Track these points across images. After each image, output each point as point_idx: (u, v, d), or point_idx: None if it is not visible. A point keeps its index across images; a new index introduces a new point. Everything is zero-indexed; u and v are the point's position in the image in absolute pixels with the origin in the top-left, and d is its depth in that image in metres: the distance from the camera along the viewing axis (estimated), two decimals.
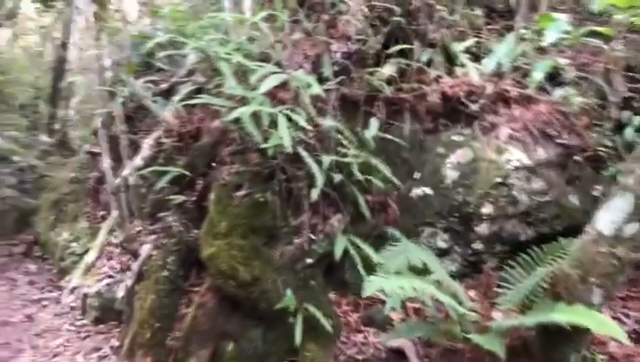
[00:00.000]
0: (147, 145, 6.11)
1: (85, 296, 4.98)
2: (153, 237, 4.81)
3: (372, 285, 2.94)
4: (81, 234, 6.32)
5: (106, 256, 5.43)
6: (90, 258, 5.58)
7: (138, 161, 5.81)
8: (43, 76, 15.19)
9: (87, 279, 5.22)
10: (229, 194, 4.32)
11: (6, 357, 4.24)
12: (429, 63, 5.08)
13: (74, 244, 6.26)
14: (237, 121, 4.70)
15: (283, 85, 4.55)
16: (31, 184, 8.70)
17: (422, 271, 3.58)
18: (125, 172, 5.25)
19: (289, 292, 3.97)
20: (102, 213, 6.43)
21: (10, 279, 6.38)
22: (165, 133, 6.28)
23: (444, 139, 4.73)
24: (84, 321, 4.93)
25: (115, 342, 4.40)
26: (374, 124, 4.22)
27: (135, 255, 4.77)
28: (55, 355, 4.23)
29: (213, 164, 4.86)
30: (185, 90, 6.44)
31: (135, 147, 6.16)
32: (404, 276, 3.24)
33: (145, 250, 4.65)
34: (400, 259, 3.39)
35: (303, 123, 3.70)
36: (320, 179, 3.87)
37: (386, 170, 4.14)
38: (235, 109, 3.82)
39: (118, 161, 6.15)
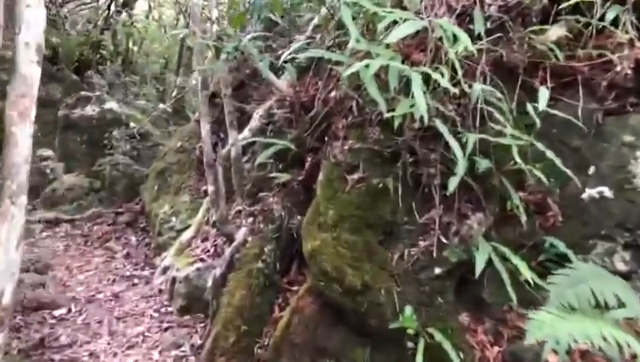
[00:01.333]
0: (257, 115, 5.46)
1: (174, 279, 4.42)
2: (250, 220, 4.11)
3: (538, 328, 1.94)
4: (182, 208, 5.83)
5: (202, 236, 4.85)
6: (185, 236, 5.03)
7: (245, 132, 5.17)
8: (173, 46, 15.43)
9: (179, 260, 4.66)
10: (341, 176, 3.47)
11: (82, 340, 3.77)
12: (615, 23, 3.82)
13: (173, 219, 5.79)
14: (357, 88, 3.83)
15: (419, 43, 3.60)
16: (144, 151, 8.49)
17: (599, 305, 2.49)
18: (229, 143, 4.59)
19: (408, 309, 3.06)
20: (205, 187, 5.90)
21: (110, 250, 6.07)
22: (277, 103, 5.60)
23: (633, 124, 3.50)
24: (170, 309, 4.38)
25: (197, 340, 3.76)
26: (544, 94, 3.11)
27: (229, 239, 4.09)
28: (130, 347, 3.69)
29: (326, 139, 4.03)
30: (303, 54, 5.71)
31: (247, 118, 5.55)
32: (582, 315, 2.18)
33: (240, 234, 3.96)
34: (580, 289, 2.33)
35: (446, 83, 2.73)
36: (462, 165, 2.89)
37: (557, 160, 3.04)
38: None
39: (226, 132, 5.58)
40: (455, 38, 2.98)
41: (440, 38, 3.16)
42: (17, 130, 2.69)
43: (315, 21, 5.95)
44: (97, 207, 7.21)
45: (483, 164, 3.08)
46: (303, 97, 5.43)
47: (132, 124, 8.67)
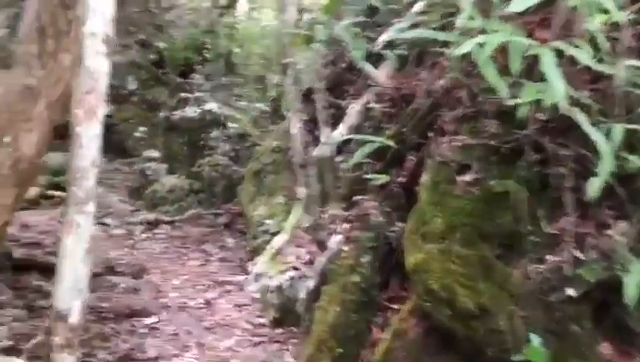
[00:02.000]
0: (353, 110, 5.06)
1: (267, 288, 4.12)
2: (346, 226, 3.70)
3: None
4: (277, 210, 5.56)
5: (295, 241, 4.53)
6: (278, 241, 4.74)
7: (340, 129, 4.78)
8: (273, 46, 15.47)
9: (273, 267, 4.37)
10: (450, 178, 2.98)
11: (170, 353, 3.57)
12: None
13: (268, 222, 5.53)
14: (468, 74, 3.31)
15: (543, 19, 3.01)
16: (243, 152, 8.38)
17: None
18: (322, 141, 4.23)
19: (535, 338, 2.51)
20: (301, 190, 5.59)
21: (206, 253, 5.94)
22: (375, 97, 5.16)
23: None
24: (262, 320, 4.09)
25: (289, 359, 3.42)
26: None
27: (323, 247, 3.72)
28: None
29: (431, 135, 3.54)
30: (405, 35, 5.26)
31: (342, 114, 5.17)
32: None
33: (334, 242, 3.57)
34: None
35: (587, 61, 2.15)
36: (608, 163, 2.29)
37: None
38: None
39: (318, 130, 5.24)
40: (599, 6, 2.37)
41: (574, 8, 2.57)
42: (82, 130, 2.48)
43: (420, 5, 5.45)
44: (197, 209, 7.17)
45: (634, 161, 2.45)
46: (405, 89, 4.96)
47: (231, 125, 8.61)
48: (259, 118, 9.08)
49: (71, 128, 2.53)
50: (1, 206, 2.89)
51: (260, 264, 4.66)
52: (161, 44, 14.31)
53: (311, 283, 3.48)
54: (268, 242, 5.40)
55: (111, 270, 5.11)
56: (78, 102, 2.49)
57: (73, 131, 2.47)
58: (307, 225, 3.74)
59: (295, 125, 3.99)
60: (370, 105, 5.03)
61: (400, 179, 3.62)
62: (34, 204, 9.06)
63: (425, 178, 3.19)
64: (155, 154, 9.51)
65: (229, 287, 4.86)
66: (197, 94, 9.16)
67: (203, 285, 4.95)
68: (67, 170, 2.65)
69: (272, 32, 15.44)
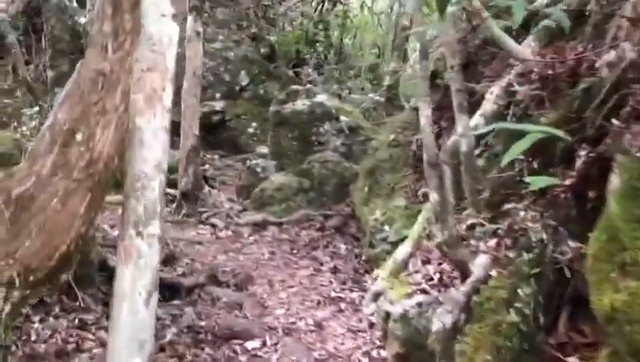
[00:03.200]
0: (492, 95, 4.20)
1: (387, 314, 3.38)
2: (492, 243, 2.86)
3: None
4: (396, 214, 4.81)
5: (422, 255, 3.74)
6: (400, 253, 3.98)
7: (476, 118, 3.92)
8: (387, 35, 14.65)
9: (395, 287, 3.61)
10: None
11: None
12: None
13: (386, 228, 4.80)
14: None
15: None
16: (355, 147, 7.70)
17: None
18: (456, 133, 3.40)
19: None
20: (423, 189, 4.78)
21: (316, 261, 5.31)
22: (519, 78, 4.24)
23: None
24: (383, 352, 3.35)
25: None
26: None
27: (461, 268, 2.90)
28: None
29: (614, 122, 2.59)
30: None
31: (476, 101, 4.32)
32: None
33: (479, 264, 2.75)
34: None
35: None
36: None
37: None
38: None
39: (451, 120, 4.41)
40: None
41: None
42: (144, 122, 1.87)
43: None
44: (306, 209, 6.58)
45: None
46: (559, 67, 3.99)
47: (342, 118, 7.95)
48: (372, 110, 8.33)
49: (129, 120, 1.94)
50: (73, 214, 2.38)
51: (378, 281, 3.92)
52: (273, 38, 14.04)
53: (447, 317, 2.68)
54: (387, 253, 4.67)
55: (214, 279, 4.63)
56: (136, 84, 1.90)
57: (132, 124, 1.88)
58: (440, 239, 2.95)
59: (425, 112, 3.18)
60: (514, 87, 4.12)
61: (568, 182, 2.71)
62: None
63: (615, 182, 2.27)
64: (266, 150, 9.12)
65: (342, 305, 4.18)
66: (307, 86, 8.59)
67: (312, 301, 4.31)
68: (124, 176, 2.06)
69: (386, 18, 14.64)
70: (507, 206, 2.93)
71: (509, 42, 4.27)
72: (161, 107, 1.92)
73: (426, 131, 3.11)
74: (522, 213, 2.82)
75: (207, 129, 12.48)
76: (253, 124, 12.68)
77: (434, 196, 2.98)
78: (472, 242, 2.99)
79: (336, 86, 11.87)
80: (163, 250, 5.35)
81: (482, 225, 3.02)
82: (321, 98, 8.13)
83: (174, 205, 7.17)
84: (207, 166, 11.49)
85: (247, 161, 11.65)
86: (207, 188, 7.27)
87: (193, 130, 7.15)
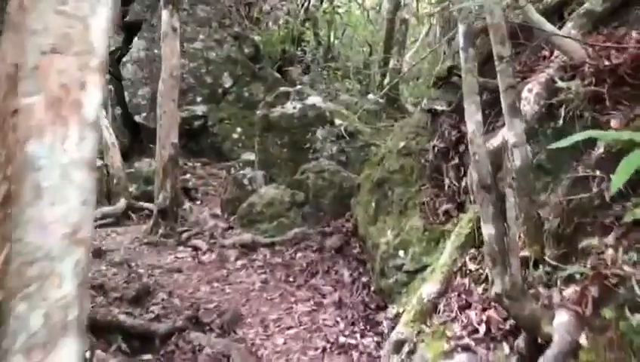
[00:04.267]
0: (530, 93, 3.46)
1: None
2: (572, 293, 2.09)
3: None
4: (413, 237, 4.03)
5: (456, 294, 2.96)
6: (428, 291, 3.19)
7: (516, 123, 3.15)
8: (377, 32, 13.89)
9: (425, 338, 2.83)
10: None
11: None
12: None
13: (401, 254, 4.02)
14: None
15: None
16: (353, 154, 6.92)
17: None
18: (510, 141, 2.62)
19: None
20: (446, 206, 4.02)
21: (316, 290, 4.52)
22: (561, 73, 3.51)
23: None
24: None
25: None
26: None
27: (530, 328, 2.13)
28: None
29: None
30: None
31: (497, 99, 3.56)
32: None
33: (560, 327, 1.97)
34: None
35: None
36: None
37: None
38: None
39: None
40: None
41: None
42: (43, 149, 1.03)
43: None
44: (301, 226, 5.78)
45: None
46: (616, 57, 3.25)
47: (338, 122, 7.17)
48: (369, 113, 7.55)
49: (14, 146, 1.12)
50: None
51: (400, 326, 3.13)
52: (257, 37, 13.23)
53: None
54: (403, 284, 3.90)
55: (196, 321, 3.82)
56: (30, 76, 1.08)
57: (19, 153, 1.07)
58: (498, 288, 2.16)
59: (473, 117, 2.39)
60: (558, 84, 3.38)
61: None
62: (124, 217, 8.20)
63: None
64: (252, 156, 8.34)
65: (354, 356, 3.39)
66: (298, 87, 7.79)
67: (317, 348, 3.51)
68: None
69: (377, 14, 13.88)
70: (586, 241, 2.16)
71: (552, 30, 3.53)
72: (78, 121, 1.10)
73: (476, 142, 2.34)
74: (611, 252, 2.06)
75: (188, 135, 11.66)
76: (238, 129, 11.85)
77: (489, 230, 2.20)
78: (541, 290, 2.22)
79: (327, 87, 11.09)
80: (134, 281, 4.55)
81: (552, 266, 2.26)
82: (313, 100, 7.34)
83: (150, 223, 6.34)
84: (188, 175, 10.64)
85: (233, 170, 10.91)
86: (187, 203, 6.45)
87: (171, 139, 6.33)
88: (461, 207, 3.97)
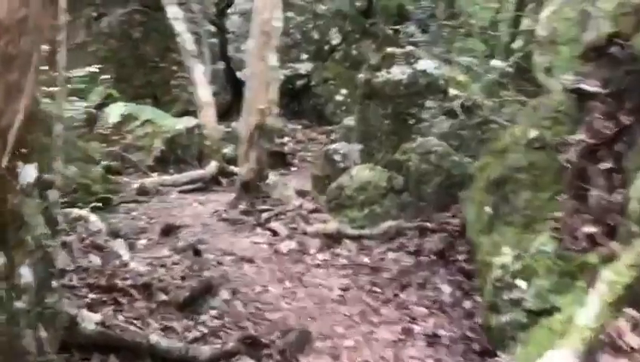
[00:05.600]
0: None
1: None
2: None
3: None
4: (540, 265, 3.01)
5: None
6: (557, 360, 2.21)
7: None
8: None
9: None
10: None
11: None
12: None
13: (521, 285, 3.03)
14: None
15: None
16: (470, 132, 5.83)
17: None
18: None
19: None
20: (590, 228, 2.94)
21: (406, 312, 3.64)
22: None
23: None
24: None
25: None
26: None
27: None
28: None
29: None
30: None
31: None
32: None
33: None
34: None
35: None
36: None
37: None
38: None
39: None
40: None
41: None
42: None
43: None
44: (396, 218, 4.87)
45: None
46: None
47: (452, 92, 6.07)
48: (493, 82, 6.33)
49: None
50: None
51: None
52: None
53: None
54: (521, 328, 2.93)
55: (252, 342, 3.11)
56: None
57: None
58: None
59: None
60: None
61: None
62: (213, 182, 7.71)
63: None
64: (352, 122, 7.50)
65: None
66: (408, 49, 6.73)
67: None
68: None
69: None
70: None
71: None
72: None
73: None
74: None
75: (290, 95, 11.00)
76: (343, 91, 10.98)
77: None
78: None
79: (443, 47, 9.84)
80: (195, 275, 3.93)
81: None
82: (425, 65, 6.27)
83: (233, 196, 5.75)
84: (286, 139, 10.02)
85: (333, 136, 10.11)
86: (272, 177, 5.76)
87: (258, 104, 5.61)
88: (613, 233, 2.88)
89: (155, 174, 7.29)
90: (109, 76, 8.22)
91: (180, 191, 6.85)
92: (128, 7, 11.23)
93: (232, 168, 7.90)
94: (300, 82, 10.89)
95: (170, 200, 6.40)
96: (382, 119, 6.31)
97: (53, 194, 2.46)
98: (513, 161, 3.63)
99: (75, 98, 7.29)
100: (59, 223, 2.70)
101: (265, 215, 5.29)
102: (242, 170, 5.64)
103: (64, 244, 3.37)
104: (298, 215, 5.24)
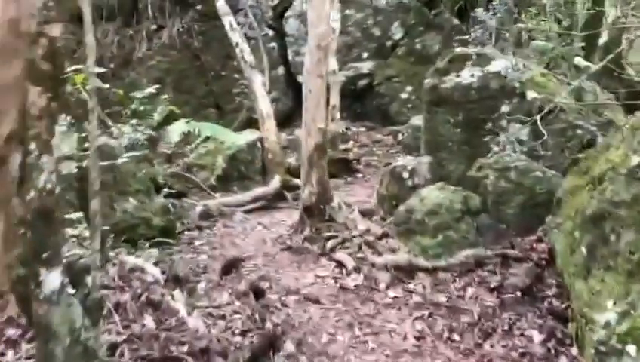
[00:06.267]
0: None
1: None
2: None
3: None
4: None
5: None
6: None
7: None
8: None
9: None
10: None
11: None
12: None
13: (631, 351, 2.55)
14: None
15: None
16: (552, 140, 5.24)
17: None
18: None
19: None
20: None
21: None
22: None
23: None
24: None
25: None
26: None
27: None
28: None
29: None
30: None
31: None
32: None
33: None
34: None
35: None
36: None
37: None
38: None
39: None
40: None
41: None
42: None
43: None
44: (474, 245, 4.41)
45: None
46: None
47: (530, 94, 5.49)
48: (583, 85, 5.65)
49: None
50: None
51: None
52: None
53: None
54: None
55: None
56: None
57: None
58: None
59: None
60: None
61: None
62: (277, 198, 7.46)
63: None
64: (422, 122, 7.03)
65: None
66: (478, 50, 6.17)
67: None
68: None
69: None
70: None
71: None
72: None
73: None
74: None
75: (353, 96, 10.57)
76: (408, 88, 10.43)
77: None
78: None
79: (516, 37, 9.12)
80: (256, 326, 3.67)
81: None
82: (498, 65, 5.71)
83: (296, 220, 5.47)
84: (350, 143, 9.63)
85: (400, 136, 9.62)
86: (336, 200, 5.42)
87: (317, 123, 5.29)
88: None
89: (217, 194, 7.14)
90: (166, 96, 8.15)
91: (244, 212, 6.67)
92: (187, 18, 11.20)
93: (297, 181, 7.66)
94: (362, 82, 10.46)
95: (233, 223, 6.21)
96: (452, 128, 5.83)
97: (92, 278, 2.25)
98: (612, 193, 3.10)
99: (135, 121, 7.26)
100: (103, 307, 2.49)
101: (330, 243, 4.97)
102: (304, 194, 5.34)
103: (117, 306, 3.20)
104: (365, 242, 4.89)
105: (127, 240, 4.81)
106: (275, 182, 7.42)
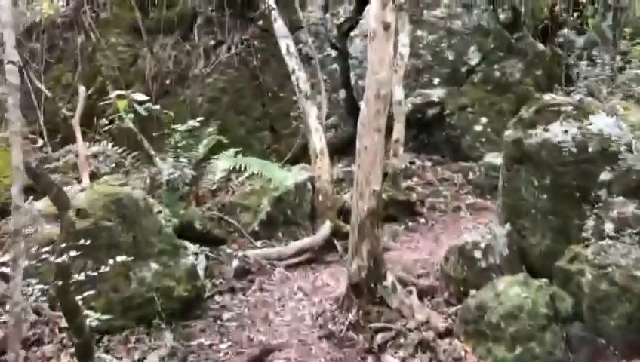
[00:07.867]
0: None
1: None
2: None
3: None
4: None
5: None
6: None
7: None
8: None
9: None
10: None
11: None
12: None
13: None
14: None
15: None
16: None
17: None
18: None
19: None
20: None
21: None
22: None
23: None
24: None
25: None
26: None
27: None
28: None
29: None
30: None
31: None
32: None
33: None
34: None
35: None
36: None
37: None
38: None
39: None
40: None
41: None
42: None
43: None
44: None
45: None
46: None
47: (637, 157, 4.40)
48: None
49: None
50: None
51: None
52: None
53: None
54: None
55: None
56: None
57: None
58: None
59: None
60: None
61: None
62: (325, 249, 6.59)
63: None
64: (499, 159, 6.11)
65: None
66: (575, 98, 5.09)
67: None
68: None
69: None
70: None
71: None
72: None
73: None
74: None
75: (419, 126, 9.52)
76: (483, 120, 9.28)
77: None
78: None
79: (609, 79, 7.88)
80: None
81: None
82: (599, 122, 4.65)
83: (340, 301, 4.63)
84: (414, 180, 8.66)
85: (471, 175, 8.57)
86: (390, 278, 4.53)
87: (372, 185, 4.42)
88: None
89: (259, 243, 6.41)
90: (211, 129, 7.53)
91: (286, 267, 5.91)
92: (247, 34, 10.59)
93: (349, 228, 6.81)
94: (431, 111, 9.46)
95: (271, 284, 5.46)
96: (537, 192, 4.82)
97: None
98: None
99: (177, 153, 6.67)
100: None
101: (379, 337, 4.11)
102: (352, 268, 4.49)
103: None
104: (422, 341, 3.98)
105: (140, 319, 4.14)
106: (325, 229, 6.61)
